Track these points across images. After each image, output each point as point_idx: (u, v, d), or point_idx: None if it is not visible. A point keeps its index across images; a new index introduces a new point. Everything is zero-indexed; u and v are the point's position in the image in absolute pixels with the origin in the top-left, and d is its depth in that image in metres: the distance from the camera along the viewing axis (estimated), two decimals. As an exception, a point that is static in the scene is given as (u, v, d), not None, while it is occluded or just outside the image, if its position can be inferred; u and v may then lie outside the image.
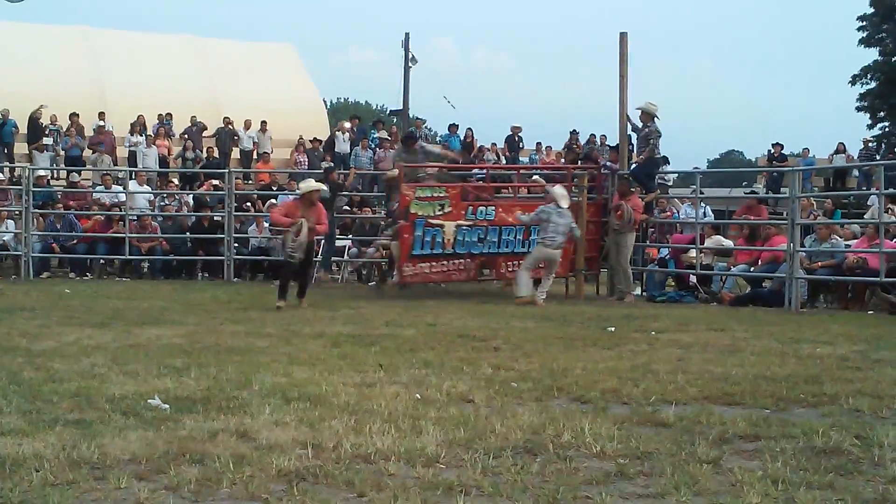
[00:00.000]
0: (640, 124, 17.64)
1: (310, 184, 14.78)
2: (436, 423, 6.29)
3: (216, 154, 27.52)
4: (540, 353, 9.57)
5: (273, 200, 20.88)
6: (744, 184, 30.00)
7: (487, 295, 17.19)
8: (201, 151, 27.59)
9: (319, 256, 18.46)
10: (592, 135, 30.20)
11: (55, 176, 25.50)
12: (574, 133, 30.34)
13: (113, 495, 4.83)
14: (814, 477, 5.17)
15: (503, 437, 5.95)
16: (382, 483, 5.02)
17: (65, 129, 27.01)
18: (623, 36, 17.80)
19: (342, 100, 79.69)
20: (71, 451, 5.46)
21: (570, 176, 17.82)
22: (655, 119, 17.51)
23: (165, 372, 8.10)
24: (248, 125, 29.26)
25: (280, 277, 14.73)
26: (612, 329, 11.77)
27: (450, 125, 31.39)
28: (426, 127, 35.53)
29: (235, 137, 28.96)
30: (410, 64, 39.72)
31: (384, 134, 29.53)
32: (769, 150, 31.68)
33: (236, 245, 20.02)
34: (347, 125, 30.20)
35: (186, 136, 27.96)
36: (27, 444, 5.60)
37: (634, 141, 18.59)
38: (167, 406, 6.70)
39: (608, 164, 18.97)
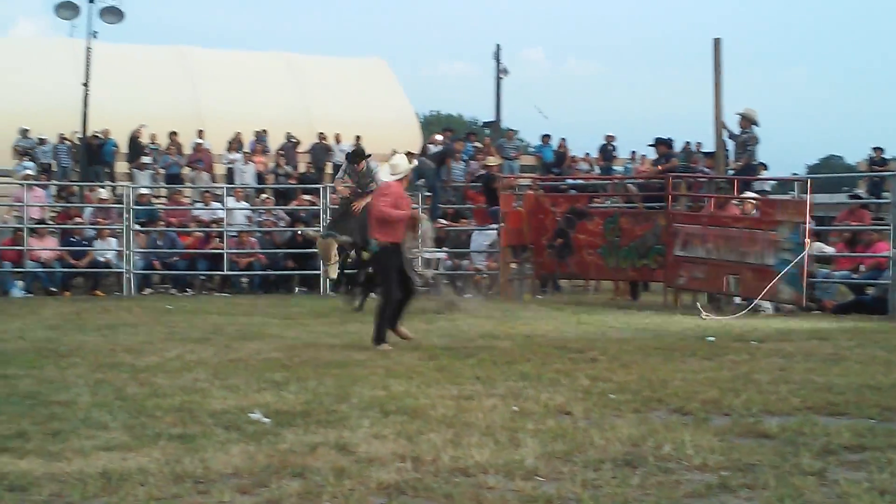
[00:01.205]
0: (737, 130, 17.42)
1: (405, 158, 11.94)
2: (534, 435, 6.27)
3: (312, 169, 27.82)
4: (638, 364, 9.49)
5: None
6: (844, 189, 29.39)
7: (584, 305, 17.10)
8: (296, 167, 27.91)
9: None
10: (687, 142, 29.85)
11: (156, 194, 26.02)
12: (668, 140, 29.99)
13: (216, 509, 4.91)
14: (923, 488, 5.05)
15: (602, 450, 5.91)
16: (481, 496, 5.02)
17: (164, 148, 27.56)
18: (717, 42, 17.60)
19: (434, 112, 79.95)
20: (175, 465, 5.56)
21: (667, 184, 17.67)
22: (755, 125, 17.29)
23: (265, 386, 8.20)
24: (339, 139, 29.54)
25: (383, 302, 11.30)
26: (712, 339, 11.62)
27: (542, 135, 31.31)
28: (518, 137, 35.45)
29: (329, 152, 29.25)
30: (502, 75, 39.80)
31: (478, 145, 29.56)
32: (870, 155, 31.01)
33: (332, 259, 20.14)
34: (440, 138, 30.30)
35: (282, 151, 28.31)
36: (132, 459, 5.71)
37: (731, 147, 18.35)
38: (268, 420, 6.78)
39: (704, 170, 18.79)
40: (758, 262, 15.48)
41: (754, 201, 16.43)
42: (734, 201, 16.93)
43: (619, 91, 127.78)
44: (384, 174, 11.65)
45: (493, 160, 22.43)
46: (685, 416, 7.01)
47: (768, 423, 6.65)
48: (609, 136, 30.62)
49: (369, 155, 16.39)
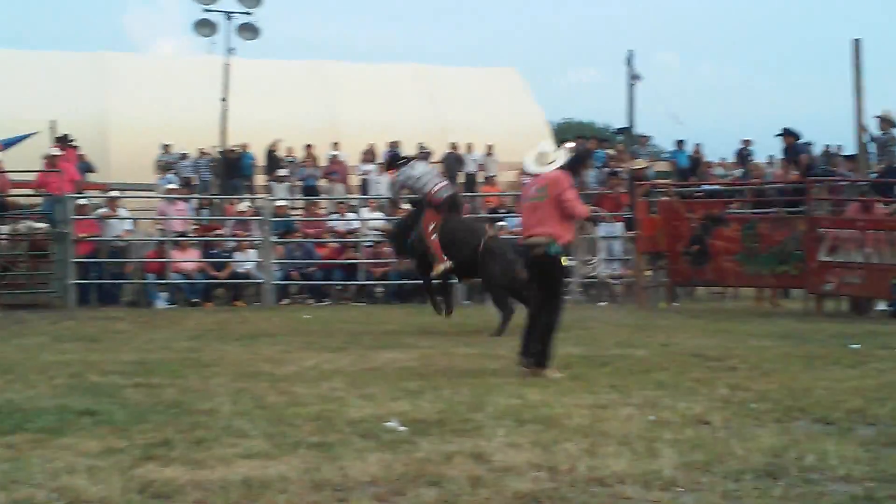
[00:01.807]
0: (878, 133, 17.01)
1: (551, 144, 10.74)
2: (671, 445, 6.19)
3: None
4: (779, 373, 9.29)
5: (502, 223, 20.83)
6: None
7: (721, 313, 16.81)
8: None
9: None
10: (827, 145, 29.14)
11: (293, 206, 26.45)
12: (807, 144, 29.32)
13: (354, 517, 4.96)
14: None
15: (742, 460, 5.80)
16: (619, 507, 4.98)
17: (300, 160, 28.06)
18: (857, 43, 17.17)
19: (567, 120, 79.51)
20: (314, 473, 5.64)
21: (808, 189, 17.28)
22: (894, 128, 16.87)
23: (401, 395, 8.25)
24: (471, 149, 29.66)
25: (556, 317, 9.84)
26: (857, 346, 11.30)
27: (677, 141, 30.94)
28: (651, 143, 35.03)
29: (461, 162, 29.36)
30: (634, 81, 39.33)
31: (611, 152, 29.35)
32: None
33: (466, 268, 20.17)
34: (571, 145, 30.10)
35: (416, 162, 28.54)
36: (273, 467, 5.81)
37: (873, 150, 17.89)
38: (404, 428, 6.82)
39: (845, 173, 18.38)
40: None
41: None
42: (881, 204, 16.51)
43: (756, 95, 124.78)
44: (530, 165, 10.01)
45: (640, 163, 22.35)
46: (829, 426, 6.84)
47: (916, 433, 6.45)
48: (745, 141, 30.09)
49: (403, 159, 15.72)
